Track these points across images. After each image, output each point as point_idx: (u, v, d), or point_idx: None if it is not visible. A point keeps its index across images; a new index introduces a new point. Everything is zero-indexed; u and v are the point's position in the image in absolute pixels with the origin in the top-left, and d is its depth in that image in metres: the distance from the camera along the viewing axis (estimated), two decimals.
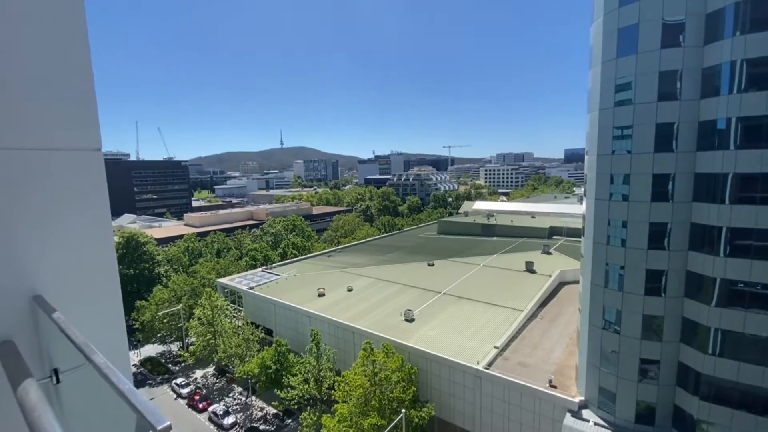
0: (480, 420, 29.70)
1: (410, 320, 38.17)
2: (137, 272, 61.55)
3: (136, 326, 52.07)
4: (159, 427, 1.26)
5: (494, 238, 73.73)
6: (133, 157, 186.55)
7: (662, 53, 21.35)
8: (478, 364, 29.86)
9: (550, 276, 46.96)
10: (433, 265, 56.57)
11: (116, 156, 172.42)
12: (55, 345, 1.86)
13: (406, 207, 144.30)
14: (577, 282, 29.85)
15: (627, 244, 23.26)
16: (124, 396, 1.42)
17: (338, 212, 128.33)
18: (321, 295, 46.10)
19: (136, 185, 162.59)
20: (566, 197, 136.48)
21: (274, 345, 40.14)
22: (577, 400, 26.03)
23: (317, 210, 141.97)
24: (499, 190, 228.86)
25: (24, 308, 2.20)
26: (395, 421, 28.77)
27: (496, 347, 32.32)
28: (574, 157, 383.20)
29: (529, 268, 50.52)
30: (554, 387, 27.50)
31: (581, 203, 28.38)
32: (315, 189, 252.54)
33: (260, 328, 46.13)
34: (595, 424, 24.88)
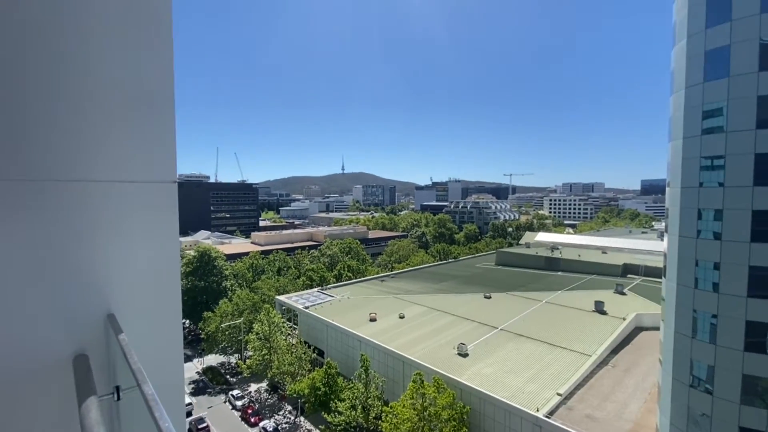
0: None
1: (464, 355, 36.36)
2: (207, 284, 66.60)
3: (202, 336, 55.82)
4: None
5: (559, 273, 68.71)
6: (212, 179, 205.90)
7: (761, 76, 19.04)
8: (537, 411, 27.29)
9: (624, 319, 42.25)
10: (490, 297, 53.95)
11: (198, 178, 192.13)
12: (121, 363, 2.01)
13: (463, 235, 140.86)
14: (656, 328, 26.43)
15: (720, 290, 20.24)
16: (155, 420, 1.52)
17: (393, 237, 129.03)
18: (372, 320, 45.95)
19: (212, 204, 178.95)
20: (643, 232, 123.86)
21: (324, 367, 40.47)
22: None
23: (373, 234, 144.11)
24: (565, 222, 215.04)
25: (99, 326, 2.41)
26: None
27: (559, 394, 29.39)
28: (652, 189, 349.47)
29: (599, 308, 46.00)
30: None
31: (662, 239, 25.49)
32: (372, 213, 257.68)
33: (312, 348, 46.92)
34: None
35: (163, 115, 2.71)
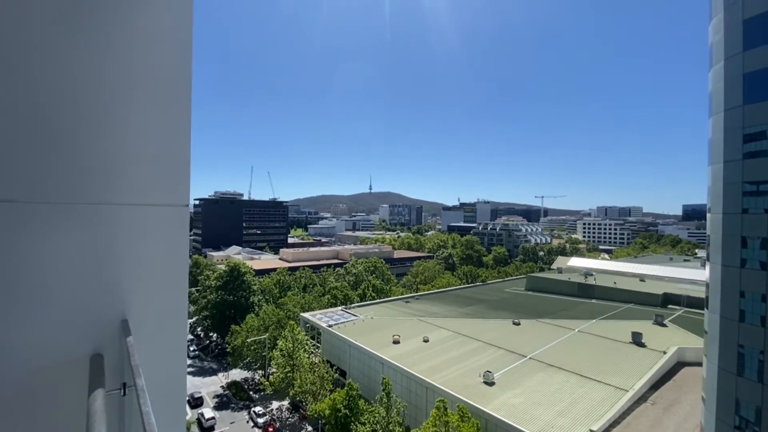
0: None
1: (490, 383, 35.06)
2: (236, 299, 68.29)
3: (228, 350, 56.93)
4: None
5: (593, 301, 65.58)
6: (245, 197, 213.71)
7: None
8: None
9: (665, 353, 39.54)
10: (518, 324, 52.11)
11: (233, 195, 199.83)
12: (128, 363, 2.34)
13: (491, 258, 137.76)
14: (700, 364, 24.57)
15: None
16: (141, 414, 1.76)
17: (419, 258, 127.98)
18: (396, 342, 45.37)
19: (244, 221, 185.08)
20: (686, 260, 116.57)
21: (346, 388, 40.08)
22: None
23: (398, 254, 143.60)
24: (600, 247, 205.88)
25: (114, 329, 2.78)
26: None
27: (592, 431, 27.63)
28: (695, 214, 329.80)
29: (637, 340, 43.33)
30: None
31: (705, 268, 24.10)
32: (398, 233, 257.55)
33: (335, 367, 46.70)
34: None
35: (179, 145, 3.07)
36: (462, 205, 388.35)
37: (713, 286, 21.91)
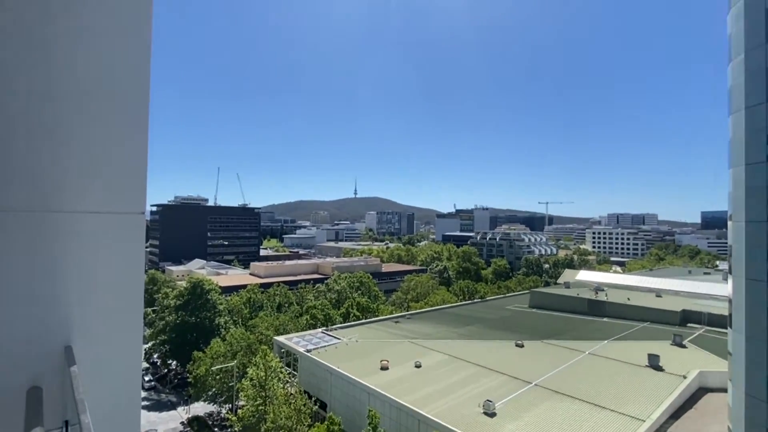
0: None
1: (491, 414, 34.95)
2: (198, 320, 66.96)
3: (189, 380, 55.57)
4: None
5: (604, 319, 66.50)
6: (210, 202, 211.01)
7: None
8: None
9: (685, 377, 40.17)
10: (522, 346, 52.37)
11: (196, 200, 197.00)
12: (71, 397, 2.18)
13: (491, 271, 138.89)
14: (724, 390, 24.96)
15: None
16: None
17: (410, 271, 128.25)
18: (384, 368, 45.03)
19: (209, 230, 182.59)
20: (706, 273, 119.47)
21: (326, 422, 39.43)
22: None
23: (387, 267, 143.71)
24: (611, 259, 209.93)
25: (55, 358, 2.61)
26: None
27: None
28: (715, 222, 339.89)
29: (654, 363, 43.95)
30: None
31: (727, 282, 24.62)
32: (387, 243, 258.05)
33: (313, 399, 45.99)
34: None
35: (134, 145, 2.98)
36: (458, 212, 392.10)
37: (737, 302, 22.30)
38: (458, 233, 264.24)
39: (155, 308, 72.82)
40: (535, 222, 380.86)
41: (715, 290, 74.09)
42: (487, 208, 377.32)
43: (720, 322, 56.71)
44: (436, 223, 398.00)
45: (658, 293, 77.28)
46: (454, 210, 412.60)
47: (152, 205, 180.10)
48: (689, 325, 61.14)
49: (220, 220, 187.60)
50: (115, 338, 2.95)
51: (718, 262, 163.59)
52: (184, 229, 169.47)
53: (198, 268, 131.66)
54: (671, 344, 50.51)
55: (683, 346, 50.30)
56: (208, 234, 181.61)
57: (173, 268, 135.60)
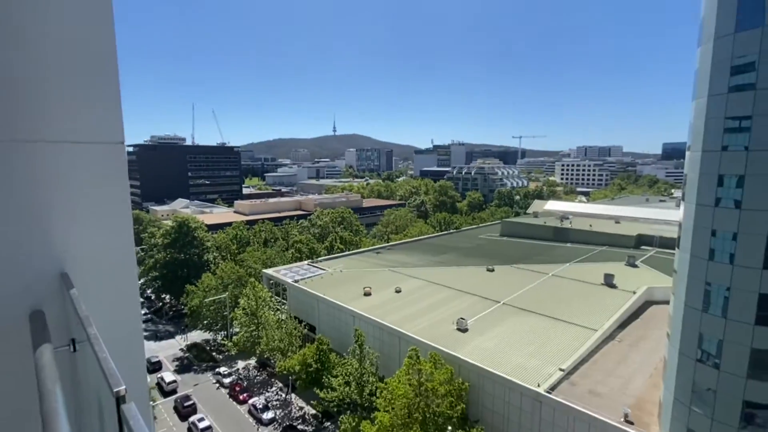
0: None
1: (463, 330, 37.63)
2: (187, 257, 67.22)
3: (185, 311, 57.03)
4: (115, 390, 1.57)
5: (568, 245, 69.89)
6: (188, 141, 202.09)
7: None
8: (539, 386, 28.69)
9: (634, 293, 43.56)
10: (493, 270, 55.11)
11: (173, 140, 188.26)
12: (75, 317, 2.26)
13: (466, 204, 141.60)
14: (668, 302, 27.35)
15: (736, 261, 20.83)
16: (98, 360, 1.74)
17: (390, 206, 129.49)
18: (367, 294, 47.03)
19: (190, 170, 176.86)
20: (661, 200, 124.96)
21: (316, 343, 41.84)
22: None
23: (368, 203, 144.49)
24: (578, 189, 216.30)
25: (52, 283, 2.66)
26: None
27: (561, 369, 30.79)
28: (675, 153, 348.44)
29: (609, 281, 47.26)
30: (630, 423, 25.60)
31: (679, 208, 25.90)
32: (367, 180, 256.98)
33: (303, 323, 48.23)
34: None
35: (105, 71, 2.80)
36: (435, 147, 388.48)
37: (686, 226, 23.71)
38: (435, 168, 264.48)
39: (143, 247, 72.39)
40: (508, 156, 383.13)
41: (668, 216, 77.93)
42: (463, 144, 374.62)
43: (670, 244, 60.17)
44: (414, 159, 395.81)
45: (618, 220, 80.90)
46: (431, 146, 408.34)
47: (129, 146, 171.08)
48: (642, 247, 64.98)
49: (199, 160, 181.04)
50: (109, 263, 2.97)
51: (673, 191, 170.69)
52: (163, 169, 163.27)
53: (182, 207, 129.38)
54: (625, 265, 53.95)
55: (636, 266, 53.87)
56: (189, 174, 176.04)
57: (157, 208, 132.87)
